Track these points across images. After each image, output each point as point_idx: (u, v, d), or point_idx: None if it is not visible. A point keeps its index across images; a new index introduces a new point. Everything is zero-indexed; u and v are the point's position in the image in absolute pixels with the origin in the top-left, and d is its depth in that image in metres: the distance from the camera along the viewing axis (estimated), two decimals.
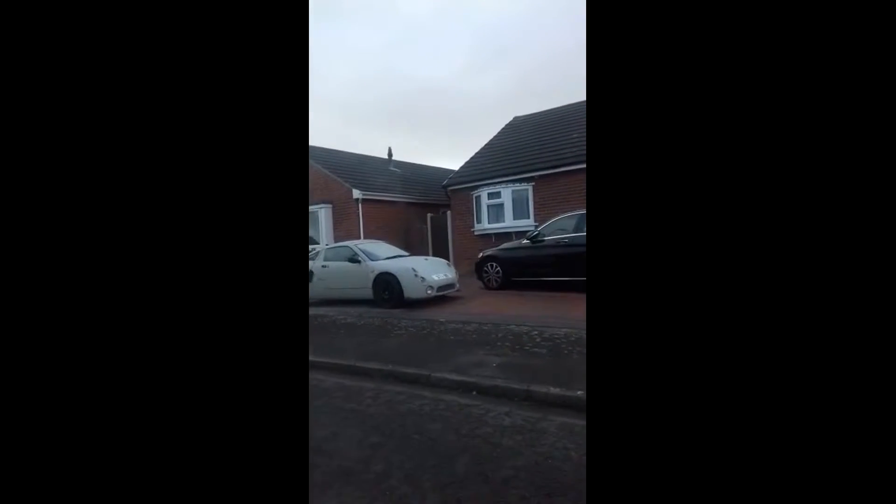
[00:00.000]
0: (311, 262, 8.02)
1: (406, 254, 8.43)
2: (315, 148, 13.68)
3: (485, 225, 11.16)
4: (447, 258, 10.61)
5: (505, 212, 10.88)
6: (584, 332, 3.80)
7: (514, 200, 10.81)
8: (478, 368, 3.69)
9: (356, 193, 11.85)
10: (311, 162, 12.52)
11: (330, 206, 12.42)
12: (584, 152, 8.36)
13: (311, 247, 11.32)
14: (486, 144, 13.44)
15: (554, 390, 3.08)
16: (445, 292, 7.27)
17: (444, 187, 12.34)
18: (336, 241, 10.96)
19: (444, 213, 12.81)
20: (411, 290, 6.82)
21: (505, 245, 8.66)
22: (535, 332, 4.71)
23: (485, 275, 8.37)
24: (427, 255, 10.70)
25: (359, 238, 10.84)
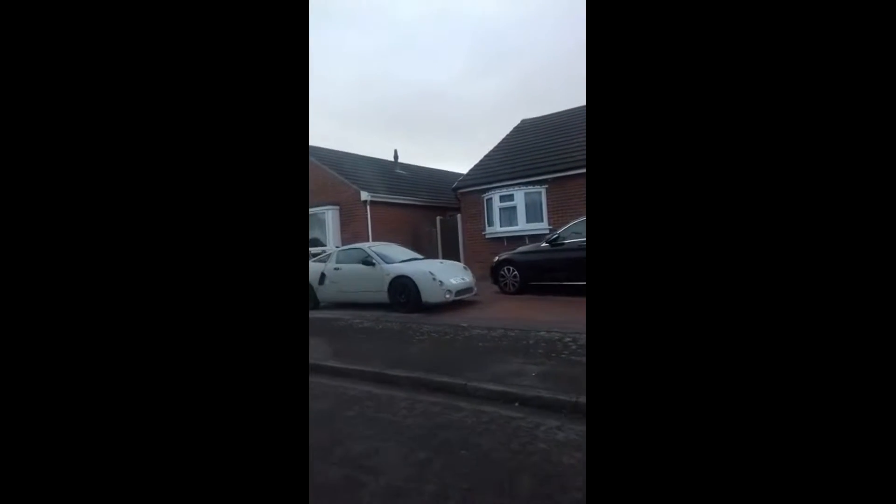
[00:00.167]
0: (322, 265, 7.81)
1: (420, 256, 8.23)
2: (321, 149, 13.51)
3: (497, 228, 10.96)
4: (457, 262, 10.40)
5: (518, 215, 10.68)
6: None
7: (526, 203, 10.61)
8: (516, 378, 3.48)
9: (364, 195, 11.66)
10: (317, 163, 12.36)
11: (337, 208, 12.22)
12: None
13: (319, 248, 11.14)
14: (495, 147, 13.27)
15: None
16: (463, 297, 7.06)
17: (455, 190, 12.14)
18: (343, 244, 10.77)
19: (453, 216, 12.63)
20: (429, 295, 6.61)
21: (522, 248, 8.46)
22: (569, 339, 4.50)
23: (501, 279, 8.16)
24: (437, 258, 10.48)
25: (366, 240, 10.64)
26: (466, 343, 4.71)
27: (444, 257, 11.36)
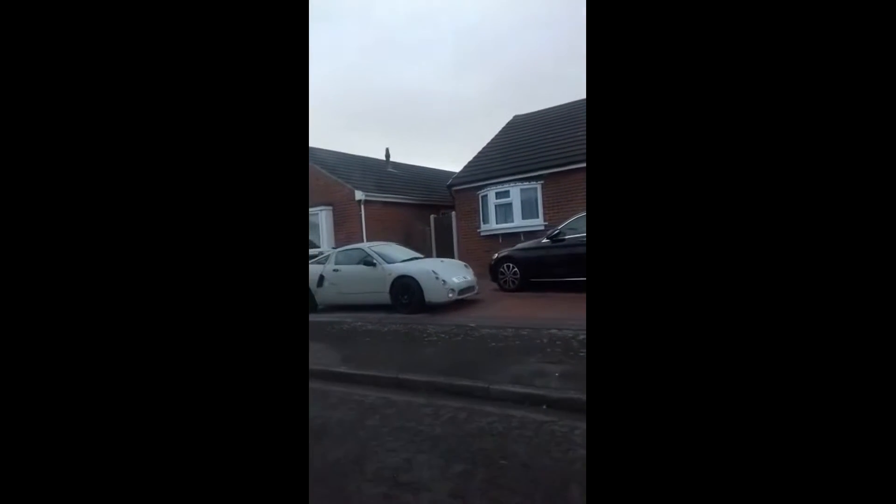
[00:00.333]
0: (321, 267, 7.62)
1: (420, 256, 8.09)
2: (313, 149, 13.25)
3: (492, 225, 10.87)
4: (458, 260, 10.28)
5: (513, 211, 10.59)
6: None
7: (522, 200, 10.53)
8: (540, 379, 3.38)
9: (359, 195, 11.46)
10: (311, 163, 12.10)
11: (330, 208, 12.00)
12: None
13: (315, 250, 10.91)
14: (488, 144, 13.17)
15: None
16: (465, 295, 6.95)
17: (449, 187, 12.02)
18: (338, 245, 10.56)
19: (447, 214, 12.50)
20: (432, 294, 6.48)
21: (521, 245, 8.38)
22: (583, 337, 4.41)
23: (500, 276, 8.07)
24: (431, 256, 10.34)
25: (361, 241, 10.45)
26: (478, 343, 4.61)
27: (438, 256, 11.22)
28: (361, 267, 7.16)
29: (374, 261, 7.07)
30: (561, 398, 3.04)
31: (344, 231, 11.78)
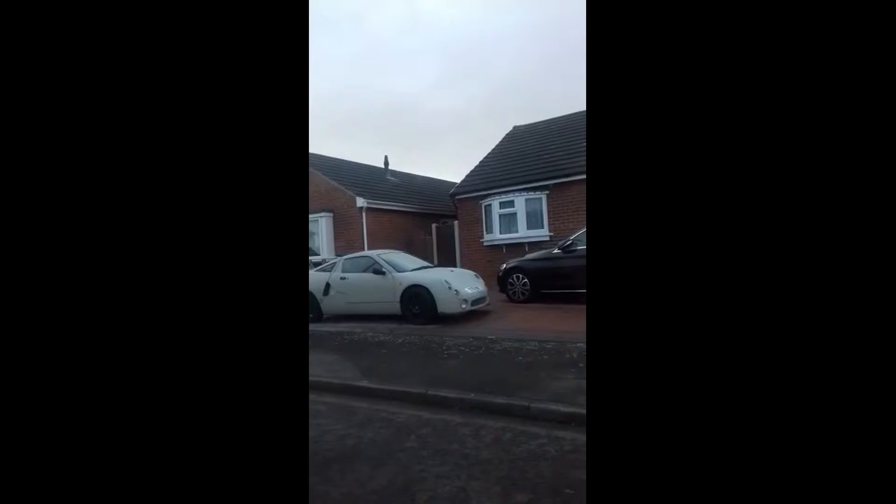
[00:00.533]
0: (326, 275, 7.38)
1: (429, 265, 7.89)
2: (313, 154, 13.03)
3: (496, 235, 10.72)
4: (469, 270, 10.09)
5: (518, 221, 10.45)
6: None
7: (527, 210, 10.41)
8: (581, 396, 3.19)
9: (360, 202, 11.25)
10: (311, 169, 11.87)
11: (331, 214, 11.76)
12: None
13: (317, 258, 10.64)
14: (489, 153, 13.08)
15: None
16: (477, 306, 6.76)
17: (451, 196, 11.87)
18: (337, 252, 10.31)
19: (447, 223, 12.34)
20: (445, 305, 6.28)
21: (531, 255, 8.25)
22: None
23: (510, 287, 7.91)
24: (433, 265, 10.15)
25: (361, 249, 10.22)
26: (503, 357, 4.42)
27: (439, 265, 11.03)
28: (370, 275, 6.92)
29: (384, 269, 6.85)
30: None
31: (344, 238, 11.54)
